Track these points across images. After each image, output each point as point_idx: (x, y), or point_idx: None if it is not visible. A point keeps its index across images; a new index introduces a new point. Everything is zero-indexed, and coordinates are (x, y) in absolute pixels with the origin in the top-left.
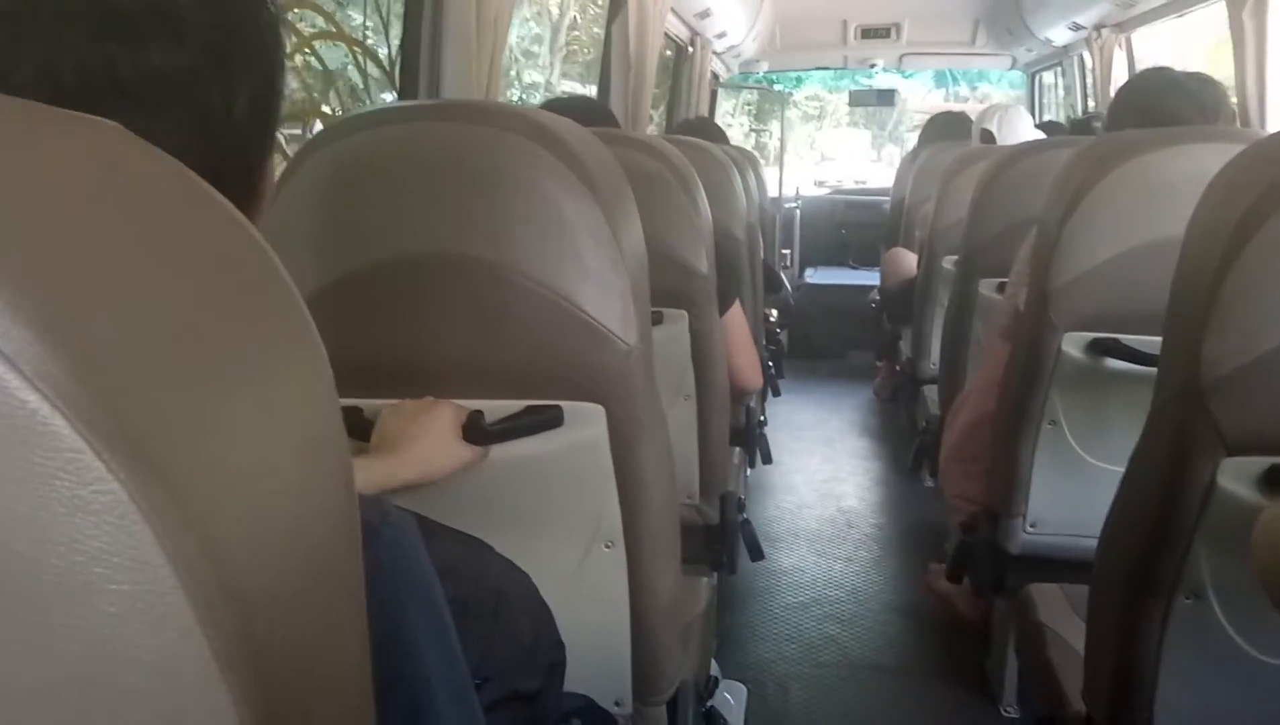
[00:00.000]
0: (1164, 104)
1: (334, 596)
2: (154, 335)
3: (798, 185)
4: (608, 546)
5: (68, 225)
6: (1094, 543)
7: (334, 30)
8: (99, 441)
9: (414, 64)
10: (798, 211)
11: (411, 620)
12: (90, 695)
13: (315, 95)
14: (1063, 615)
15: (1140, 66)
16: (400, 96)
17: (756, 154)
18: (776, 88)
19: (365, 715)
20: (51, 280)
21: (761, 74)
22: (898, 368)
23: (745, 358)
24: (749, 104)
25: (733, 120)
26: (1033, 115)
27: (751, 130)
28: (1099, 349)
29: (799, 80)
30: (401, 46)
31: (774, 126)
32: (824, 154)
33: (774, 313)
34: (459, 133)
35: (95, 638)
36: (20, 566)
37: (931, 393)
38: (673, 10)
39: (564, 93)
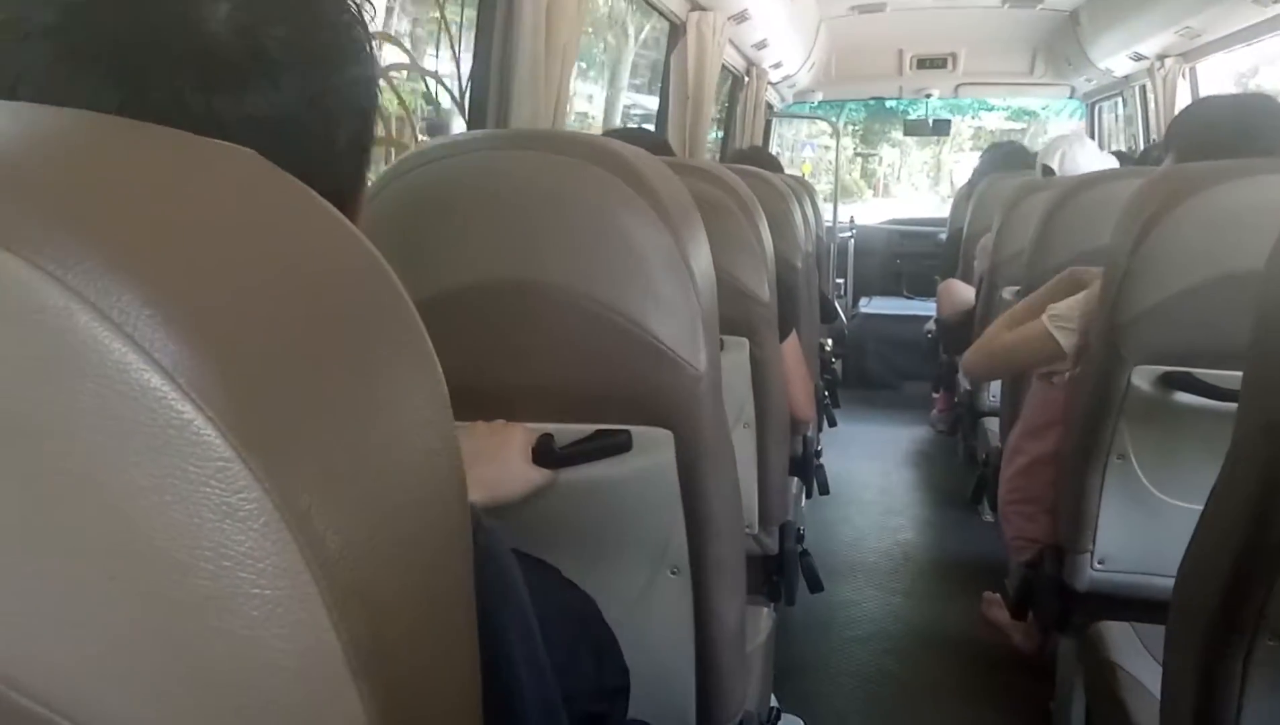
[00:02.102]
0: (1229, 136)
1: (451, 604)
2: (293, 351)
3: (852, 214)
4: (674, 573)
5: (215, 245)
6: (1166, 581)
7: (409, 62)
8: (246, 451)
9: (483, 93)
10: (852, 241)
11: (504, 629)
12: (230, 696)
13: (394, 124)
14: (1135, 655)
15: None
16: (469, 126)
17: (863, 182)
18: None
19: (474, 720)
20: (202, 297)
21: (815, 103)
22: (955, 399)
23: (800, 388)
24: (855, 125)
25: (831, 142)
26: None
27: (857, 154)
28: (1170, 383)
29: (854, 109)
30: (471, 76)
31: (884, 150)
32: (954, 180)
33: (829, 342)
34: (534, 161)
35: (238, 641)
36: (175, 571)
37: (992, 425)
38: (730, 40)
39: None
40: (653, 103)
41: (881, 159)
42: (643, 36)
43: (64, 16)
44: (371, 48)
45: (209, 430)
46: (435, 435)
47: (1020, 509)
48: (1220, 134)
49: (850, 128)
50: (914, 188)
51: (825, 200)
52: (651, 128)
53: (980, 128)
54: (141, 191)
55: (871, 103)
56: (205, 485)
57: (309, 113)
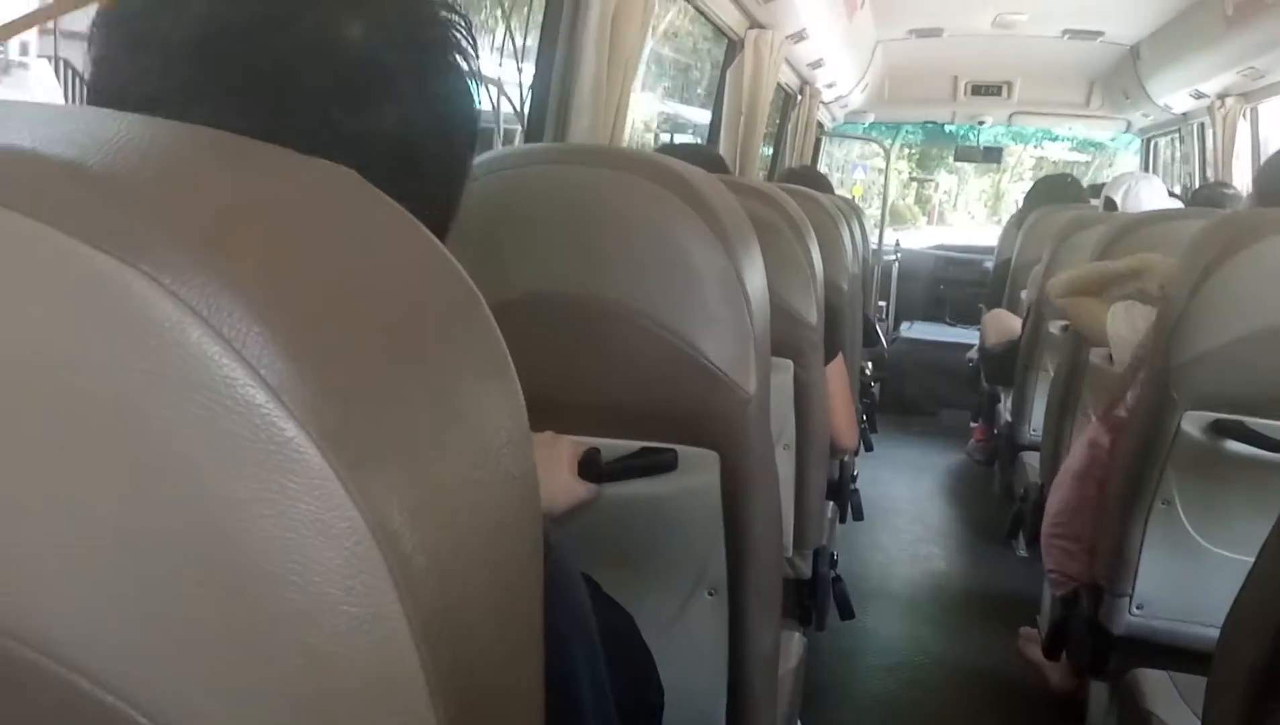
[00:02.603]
0: None
1: (524, 625)
2: (389, 372)
3: (898, 238)
4: (711, 594)
5: (319, 266)
6: (1205, 630)
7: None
8: (344, 470)
9: (543, 104)
10: (896, 264)
11: (570, 648)
12: (311, 708)
13: None
14: (1172, 706)
15: (1264, 137)
16: (527, 137)
17: (918, 208)
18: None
19: None
20: (307, 317)
21: (867, 124)
22: (995, 431)
23: (843, 414)
24: (911, 149)
25: (885, 164)
26: None
27: (912, 179)
28: (1221, 430)
29: (910, 131)
30: (532, 87)
31: (941, 176)
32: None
33: (869, 366)
34: (591, 176)
35: (322, 654)
36: (265, 583)
37: (1032, 459)
38: (785, 59)
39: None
40: (675, 107)
41: (938, 185)
42: (661, 28)
43: (203, 35)
44: (476, 62)
45: (309, 448)
46: (515, 458)
47: (1062, 545)
48: None
49: (906, 151)
50: (970, 216)
51: (875, 225)
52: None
53: (1042, 157)
54: (252, 210)
55: (929, 126)
56: (301, 501)
57: (430, 131)
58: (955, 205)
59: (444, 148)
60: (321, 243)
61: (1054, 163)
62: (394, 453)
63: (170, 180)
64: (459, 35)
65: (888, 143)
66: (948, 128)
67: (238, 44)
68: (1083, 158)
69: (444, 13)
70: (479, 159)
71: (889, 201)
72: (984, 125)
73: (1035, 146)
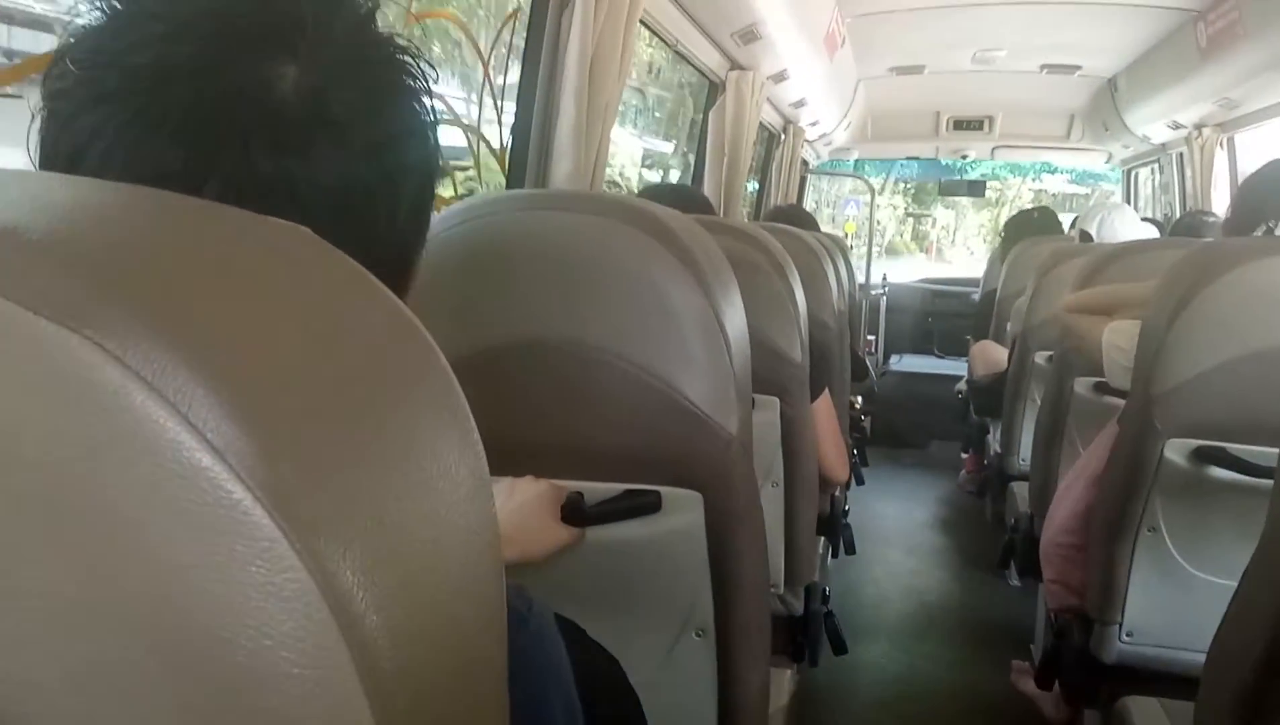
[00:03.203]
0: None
1: (483, 687)
2: (342, 432)
3: (885, 272)
4: (698, 635)
5: (269, 326)
6: (1194, 656)
7: (450, 118)
8: (292, 531)
9: (523, 151)
10: (883, 298)
11: (550, 711)
12: None
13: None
14: None
15: (1241, 166)
16: (509, 182)
17: (915, 245)
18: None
19: None
20: (255, 378)
21: (851, 161)
22: (985, 462)
23: (833, 448)
24: (906, 183)
25: (880, 198)
26: None
27: (908, 215)
28: (1204, 457)
29: (904, 166)
30: (512, 132)
31: (938, 211)
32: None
33: (859, 400)
34: (569, 222)
35: (277, 720)
36: (216, 647)
37: (1021, 489)
38: (768, 99)
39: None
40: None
41: (935, 220)
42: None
43: (134, 80)
44: (434, 112)
45: (257, 510)
46: (474, 512)
47: (1066, 553)
48: (1274, 200)
49: (901, 186)
50: (969, 252)
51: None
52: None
53: (1041, 190)
54: (198, 271)
55: (924, 161)
56: (251, 565)
57: (374, 175)
58: (954, 240)
59: (391, 198)
60: (271, 302)
61: (1053, 196)
62: (345, 513)
63: (114, 244)
64: (414, 77)
65: (879, 178)
66: (944, 161)
67: (177, 88)
68: (1082, 190)
69: (398, 54)
70: (458, 206)
71: (874, 236)
72: (976, 160)
73: (1033, 180)
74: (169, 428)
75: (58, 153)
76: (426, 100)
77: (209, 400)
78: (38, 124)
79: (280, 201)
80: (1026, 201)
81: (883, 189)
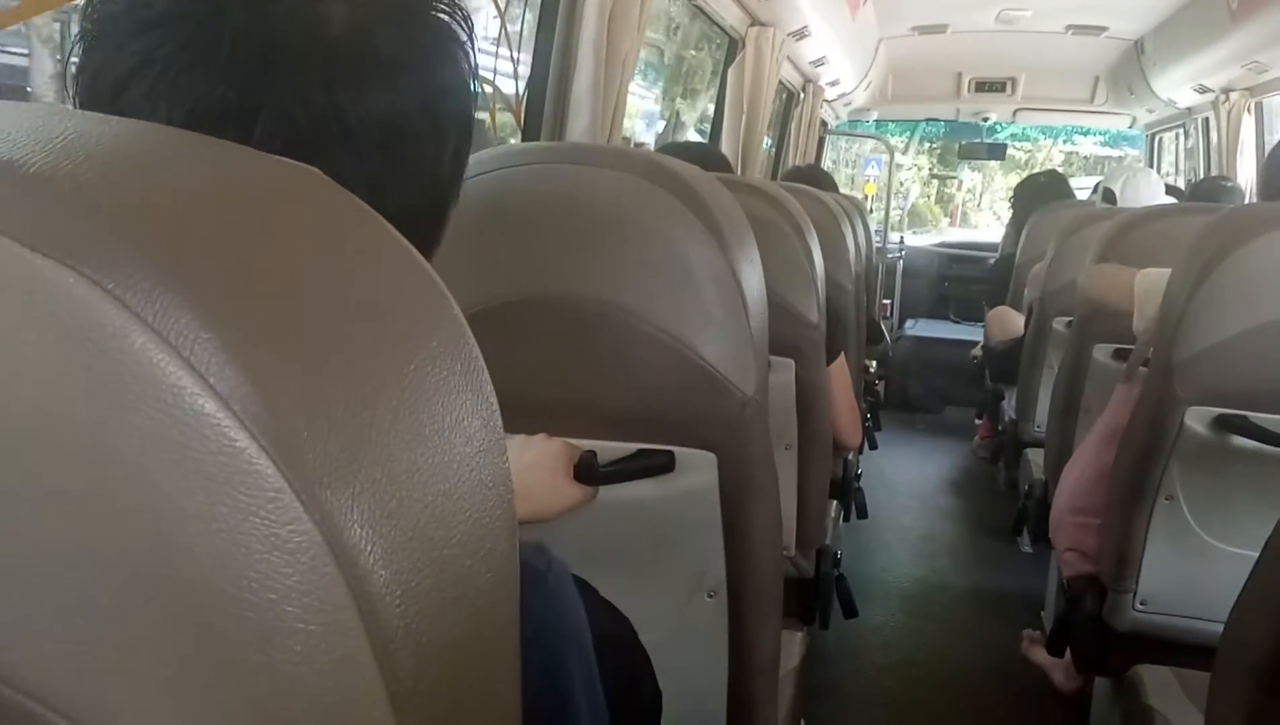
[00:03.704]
0: None
1: (494, 644)
2: (349, 379)
3: (902, 236)
4: (710, 596)
5: (276, 269)
6: (1209, 625)
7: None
8: (299, 482)
9: (539, 105)
10: (900, 262)
11: (568, 670)
12: None
13: None
14: (1176, 701)
15: (1270, 132)
16: (524, 136)
17: (939, 209)
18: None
19: None
20: (261, 323)
21: (870, 122)
22: (999, 428)
23: (846, 412)
24: (932, 144)
25: (902, 158)
26: None
27: (933, 176)
28: (1225, 426)
29: (930, 126)
30: (528, 85)
31: (965, 174)
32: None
33: (873, 364)
34: (587, 176)
35: (280, 676)
36: (218, 600)
37: (1036, 456)
38: (787, 57)
39: None
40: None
41: (960, 182)
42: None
43: (186, 6)
44: (473, 57)
45: (261, 459)
46: (487, 466)
47: (1076, 519)
48: None
49: (927, 146)
50: (996, 217)
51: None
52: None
53: (1074, 152)
54: (204, 210)
55: (952, 122)
56: (255, 515)
57: (421, 118)
58: (980, 205)
59: (437, 143)
60: (279, 245)
61: (1085, 158)
62: (353, 464)
63: (116, 180)
64: (458, 29)
65: (903, 139)
66: (974, 123)
67: (231, 18)
68: (1115, 153)
69: (441, 5)
70: (474, 157)
71: (897, 199)
72: (1001, 122)
73: (1065, 142)
74: (171, 372)
75: (98, 84)
76: (467, 51)
77: (213, 344)
78: (76, 55)
79: (331, 138)
80: (1058, 165)
81: (906, 149)
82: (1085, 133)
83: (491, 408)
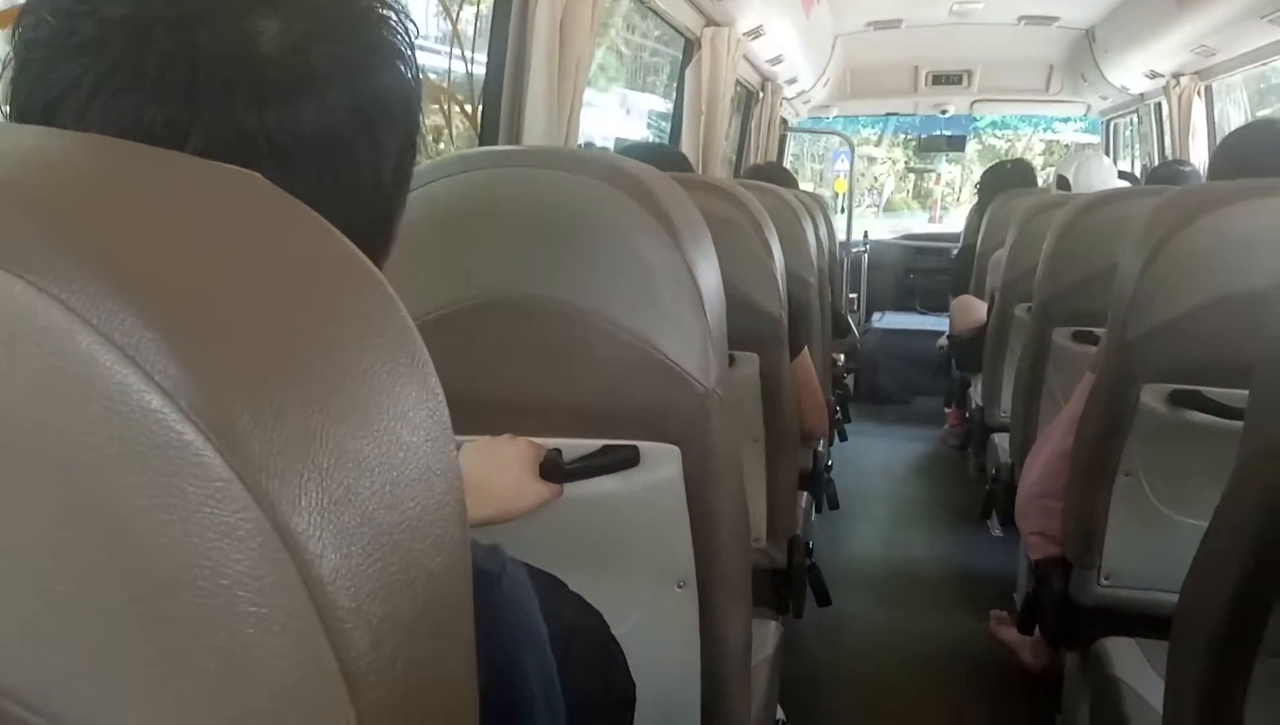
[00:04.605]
0: (1268, 163)
1: (448, 627)
2: (293, 372)
3: (866, 229)
4: (680, 587)
5: (218, 269)
6: (1172, 597)
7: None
8: (246, 472)
9: (495, 110)
10: (865, 256)
11: (526, 671)
12: (224, 713)
13: None
14: (1139, 671)
15: (1219, 114)
16: (481, 140)
17: (916, 204)
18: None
19: None
20: (204, 320)
21: (830, 118)
22: (967, 415)
23: (811, 403)
24: (908, 136)
25: (877, 150)
26: None
27: (909, 170)
28: (1180, 401)
29: (906, 120)
30: (484, 90)
31: (943, 167)
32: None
33: (842, 357)
34: (544, 179)
35: (234, 659)
36: (171, 589)
37: (1002, 441)
38: (744, 56)
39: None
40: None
41: (939, 176)
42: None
43: (113, 30)
44: (417, 71)
45: (208, 451)
46: (435, 455)
47: (1041, 503)
48: (1258, 157)
49: (902, 138)
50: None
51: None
52: None
53: (1054, 141)
54: (145, 215)
55: (929, 115)
56: (204, 505)
57: (357, 131)
58: (960, 198)
59: (375, 155)
60: (220, 246)
61: (1065, 146)
62: (300, 454)
63: (59, 188)
64: (397, 33)
65: (874, 131)
66: (947, 114)
67: (158, 40)
68: (1094, 139)
69: (380, 10)
70: (432, 162)
71: (872, 193)
72: (946, 114)
73: (1045, 130)
74: (116, 371)
75: (30, 106)
76: (409, 58)
77: (157, 342)
78: (8, 75)
79: (263, 156)
80: (1037, 154)
81: (879, 141)
82: (1065, 120)
83: (438, 400)
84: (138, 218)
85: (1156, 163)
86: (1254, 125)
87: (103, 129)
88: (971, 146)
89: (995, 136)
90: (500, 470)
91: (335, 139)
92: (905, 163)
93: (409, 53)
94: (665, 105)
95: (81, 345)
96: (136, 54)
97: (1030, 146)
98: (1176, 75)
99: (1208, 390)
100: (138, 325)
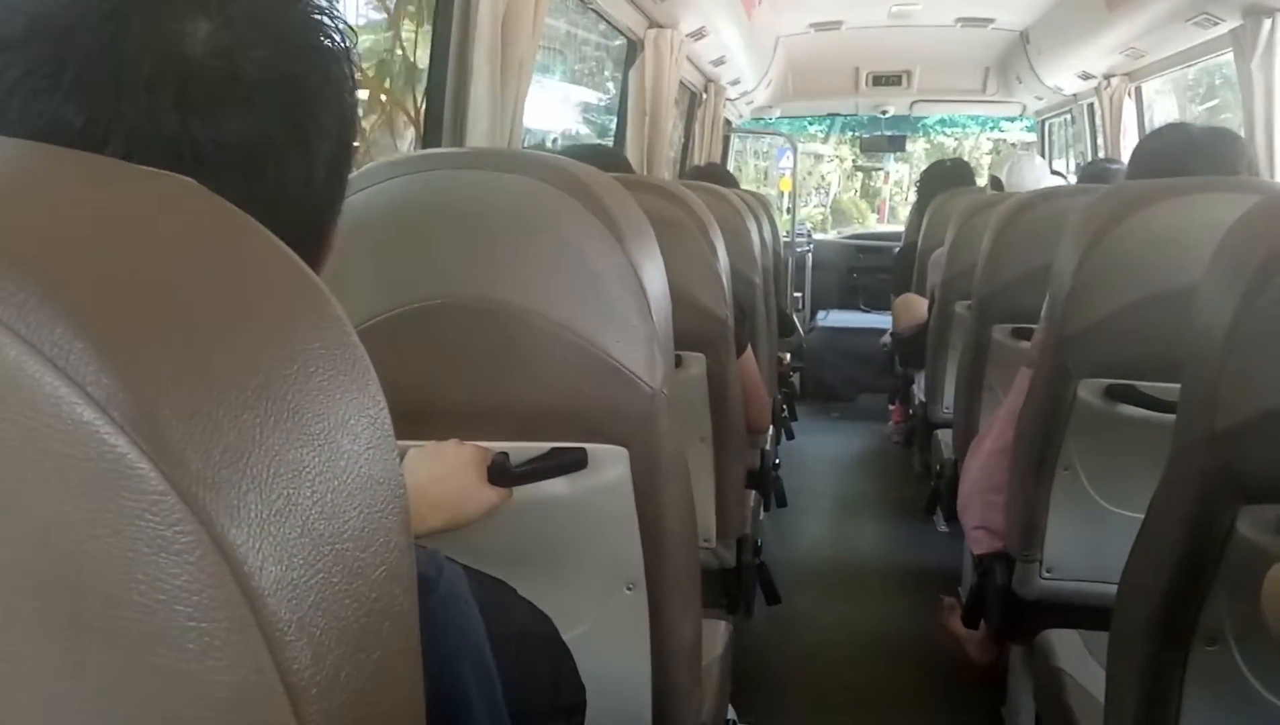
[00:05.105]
0: (1178, 165)
1: (392, 637)
2: (229, 382)
3: (809, 228)
4: (629, 589)
5: (151, 277)
6: (1112, 588)
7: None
8: (182, 484)
9: (438, 112)
10: (809, 255)
11: (463, 675)
12: None
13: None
14: (1081, 661)
15: (1149, 113)
16: (424, 144)
17: (865, 203)
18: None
19: None
20: (137, 330)
21: (773, 119)
22: (910, 412)
23: (755, 400)
24: (856, 134)
25: (824, 148)
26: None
27: (857, 168)
28: (1115, 395)
29: (853, 119)
30: (426, 92)
31: (891, 165)
32: None
33: (787, 356)
34: (487, 180)
35: (175, 674)
36: (107, 604)
37: (946, 437)
38: (687, 57)
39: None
40: None
41: (887, 174)
42: None
43: (39, 30)
44: (353, 78)
45: (143, 463)
46: (377, 462)
47: (983, 498)
48: (1166, 160)
49: (849, 136)
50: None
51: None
52: None
53: (1002, 140)
54: (75, 223)
55: (878, 115)
56: (140, 519)
57: (286, 137)
58: (908, 197)
59: (305, 161)
60: (152, 253)
61: (1011, 145)
62: (237, 464)
63: None
64: (330, 38)
65: (822, 129)
66: (892, 113)
67: (82, 40)
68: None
69: (314, 14)
70: (374, 165)
71: (816, 194)
72: (886, 114)
73: (993, 130)
74: (46, 382)
75: None
76: (345, 65)
77: (87, 353)
78: None
79: (186, 162)
80: (985, 153)
81: (826, 139)
82: (1011, 120)
83: (380, 406)
84: (66, 224)
85: (1087, 161)
86: (1166, 129)
87: (18, 132)
88: (920, 145)
89: (945, 135)
90: (447, 476)
91: (263, 147)
92: (853, 161)
93: (345, 59)
94: (594, 97)
95: (9, 357)
96: (60, 52)
97: (978, 145)
98: (1108, 76)
99: (1142, 384)
100: (67, 335)
